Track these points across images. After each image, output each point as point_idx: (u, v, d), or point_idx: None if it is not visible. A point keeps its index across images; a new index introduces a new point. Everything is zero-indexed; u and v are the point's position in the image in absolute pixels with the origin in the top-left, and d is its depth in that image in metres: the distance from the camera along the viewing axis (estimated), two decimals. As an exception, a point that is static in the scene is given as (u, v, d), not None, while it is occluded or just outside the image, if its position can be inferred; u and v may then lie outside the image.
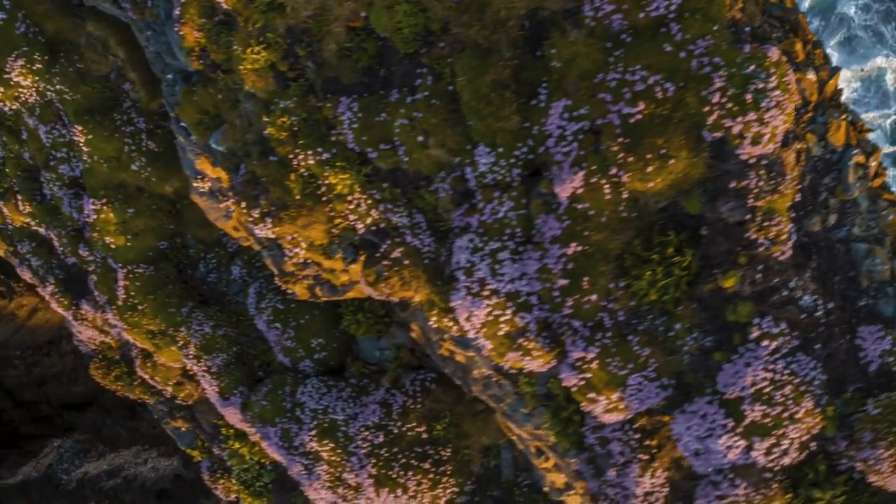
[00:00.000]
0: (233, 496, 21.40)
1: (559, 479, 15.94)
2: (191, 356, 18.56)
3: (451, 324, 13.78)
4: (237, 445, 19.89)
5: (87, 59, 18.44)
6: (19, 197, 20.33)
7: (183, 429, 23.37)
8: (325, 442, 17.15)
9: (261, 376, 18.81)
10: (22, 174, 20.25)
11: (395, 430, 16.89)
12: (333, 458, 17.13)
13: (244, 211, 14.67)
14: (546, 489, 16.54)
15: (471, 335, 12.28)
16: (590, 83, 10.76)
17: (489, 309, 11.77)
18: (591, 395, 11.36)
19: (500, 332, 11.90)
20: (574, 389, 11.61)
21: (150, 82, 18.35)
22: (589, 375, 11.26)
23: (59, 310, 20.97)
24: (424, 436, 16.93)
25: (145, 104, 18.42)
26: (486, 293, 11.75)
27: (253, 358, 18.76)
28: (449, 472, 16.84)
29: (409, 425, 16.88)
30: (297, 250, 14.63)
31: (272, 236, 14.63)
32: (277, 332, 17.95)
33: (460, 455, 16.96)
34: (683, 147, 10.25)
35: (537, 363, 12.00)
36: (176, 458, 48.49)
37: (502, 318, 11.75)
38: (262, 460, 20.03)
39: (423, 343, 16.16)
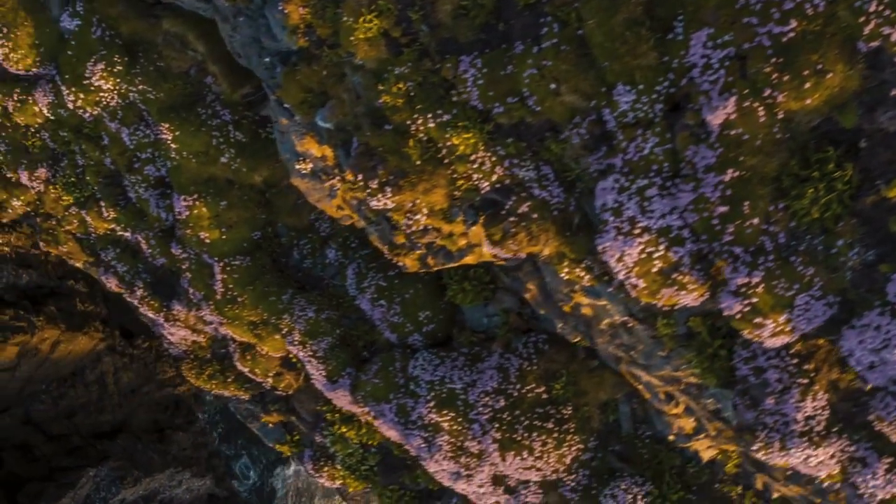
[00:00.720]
0: (338, 483, 21.43)
1: (688, 423, 16.01)
2: (295, 342, 18.61)
3: (583, 273, 13.85)
4: (344, 429, 19.94)
5: (167, 57, 18.49)
6: (102, 204, 20.38)
7: (271, 425, 23.44)
8: (445, 412, 17.20)
9: (366, 356, 18.85)
10: (103, 181, 20.30)
11: (515, 394, 16.95)
12: (454, 428, 17.17)
13: (360, 184, 14.72)
14: (671, 437, 16.60)
15: (621, 276, 12.32)
16: (730, 10, 10.81)
17: (641, 247, 11.82)
18: (758, 319, 11.40)
19: (654, 270, 11.95)
20: (737, 318, 11.66)
21: (232, 73, 18.41)
22: (755, 300, 11.31)
23: (150, 313, 21.00)
24: (544, 396, 16.98)
25: (228, 96, 18.46)
26: (637, 231, 11.80)
27: (356, 339, 18.80)
28: (572, 430, 16.89)
29: (528, 387, 16.94)
30: (417, 217, 14.67)
31: (391, 206, 14.67)
32: (383, 309, 18.00)
33: (580, 412, 17.01)
34: (838, 60, 10.31)
35: (692, 297, 12.05)
36: (208, 477, 48.88)
37: (655, 255, 11.80)
38: (370, 441, 20.08)
39: (539, 303, 16.20)
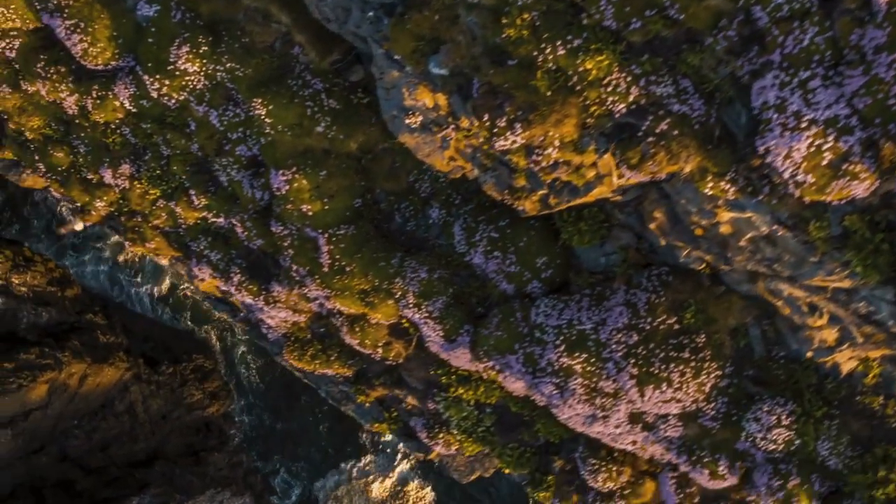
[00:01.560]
0: (453, 448, 21.26)
1: (830, 335, 15.87)
2: (410, 305, 18.44)
3: (727, 186, 13.70)
4: (461, 391, 19.76)
5: (250, 33, 18.32)
6: (192, 192, 20.18)
7: (367, 404, 23.29)
8: (576, 354, 17.03)
9: (481, 312, 18.69)
10: (191, 169, 20.12)
11: (647, 327, 16.79)
12: (587, 369, 17.01)
13: (484, 125, 14.56)
14: (810, 353, 16.46)
15: (787, 174, 12.16)
16: None
17: (809, 140, 11.66)
18: (940, 197, 11.28)
19: (823, 163, 11.79)
20: (918, 198, 11.53)
21: (319, 41, 18.24)
22: (936, 177, 11.20)
23: (248, 298, 20.80)
24: (676, 327, 16.82)
25: (317, 64, 18.29)
26: (803, 125, 11.64)
27: (469, 296, 18.64)
28: (708, 358, 16.73)
29: (658, 319, 16.78)
30: (546, 152, 14.51)
31: (520, 143, 14.51)
32: (497, 260, 17.83)
33: (713, 340, 16.86)
34: None
35: (863, 186, 11.89)
36: (247, 495, 49.22)
37: (825, 147, 11.65)
38: (488, 400, 19.91)
39: (666, 230, 16.06)
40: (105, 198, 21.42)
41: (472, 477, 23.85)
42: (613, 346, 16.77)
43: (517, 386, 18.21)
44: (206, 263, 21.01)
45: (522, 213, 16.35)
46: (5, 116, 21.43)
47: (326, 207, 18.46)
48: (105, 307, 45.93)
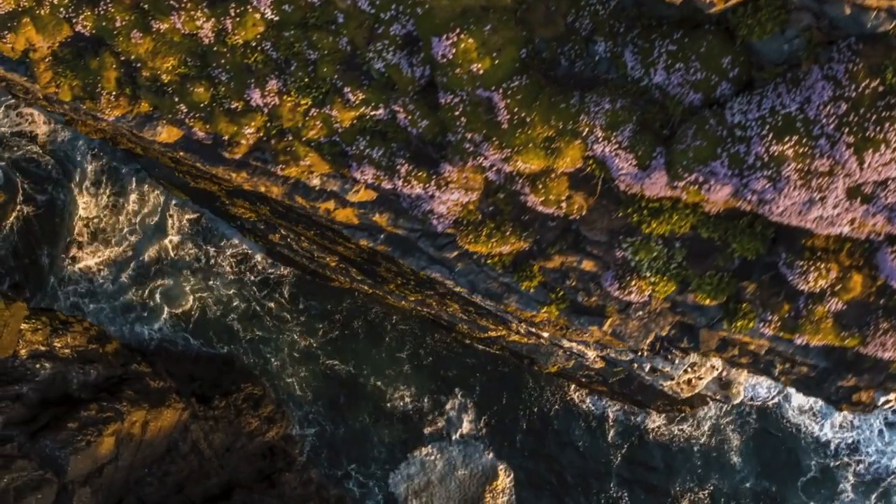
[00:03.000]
0: (646, 294, 21.20)
1: None
2: (599, 140, 18.44)
3: None
4: (653, 225, 19.72)
5: None
6: (346, 90, 20.17)
7: (532, 290, 23.26)
8: (786, 139, 17.04)
9: (667, 134, 18.70)
10: (342, 66, 20.12)
11: (853, 94, 16.79)
12: (799, 151, 17.02)
13: None
14: None
15: None
16: None
17: None
18: None
19: None
20: None
21: None
22: None
23: (417, 188, 20.75)
24: (880, 88, 16.84)
25: (461, -78, 18.34)
26: None
27: (651, 121, 18.65)
28: (919, 111, 16.74)
29: (862, 84, 16.79)
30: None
31: None
32: (681, 72, 17.86)
33: (916, 95, 16.87)
34: None
35: None
36: None
37: None
38: (681, 231, 19.86)
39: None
40: (252, 123, 21.37)
41: (649, 339, 23.73)
42: (823, 121, 16.78)
43: (721, 195, 18.19)
44: (367, 163, 20.97)
45: (710, 5, 16.42)
46: (137, 65, 21.40)
47: (496, 62, 18.48)
48: (145, 355, 46.79)
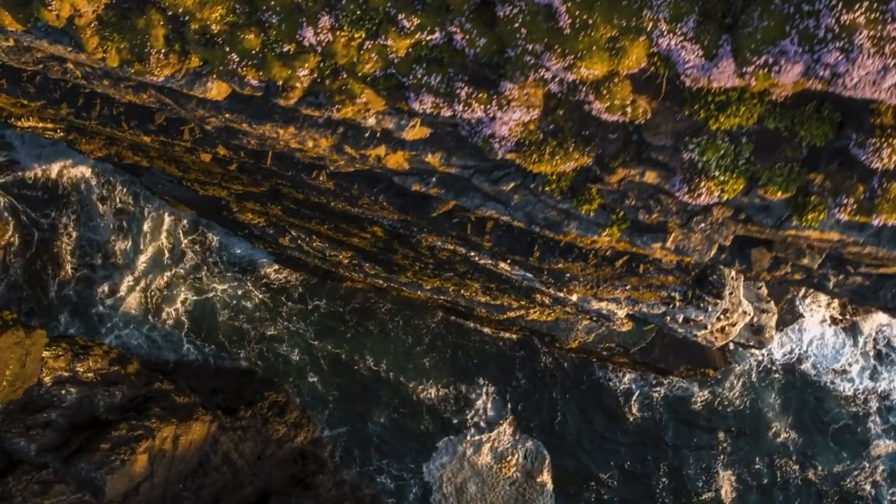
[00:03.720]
0: (715, 195, 21.22)
1: None
2: (664, 34, 18.57)
3: None
4: (721, 119, 19.84)
5: None
6: (400, 17, 20.15)
7: (592, 213, 23.29)
8: (856, 6, 17.27)
9: (729, 22, 18.89)
10: (392, -6, 20.12)
11: (918, -46, 17.13)
12: (870, 18, 17.25)
13: None
14: None
15: None
16: None
17: None
18: None
19: None
20: None
21: None
22: None
23: (477, 111, 20.70)
24: (944, -54, 17.19)
25: None
26: None
27: (713, 11, 18.83)
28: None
29: (926, -57, 17.13)
30: None
31: None
32: (741, -46, 18.09)
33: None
34: None
35: None
36: None
37: None
38: (749, 121, 19.99)
39: None
40: (306, 65, 21.24)
41: (712, 252, 23.75)
42: (893, -18, 17.07)
43: (792, 75, 18.36)
44: (425, 92, 20.91)
45: None
46: (185, 19, 21.22)
47: (554, -34, 18.57)
48: (166, 374, 46.99)
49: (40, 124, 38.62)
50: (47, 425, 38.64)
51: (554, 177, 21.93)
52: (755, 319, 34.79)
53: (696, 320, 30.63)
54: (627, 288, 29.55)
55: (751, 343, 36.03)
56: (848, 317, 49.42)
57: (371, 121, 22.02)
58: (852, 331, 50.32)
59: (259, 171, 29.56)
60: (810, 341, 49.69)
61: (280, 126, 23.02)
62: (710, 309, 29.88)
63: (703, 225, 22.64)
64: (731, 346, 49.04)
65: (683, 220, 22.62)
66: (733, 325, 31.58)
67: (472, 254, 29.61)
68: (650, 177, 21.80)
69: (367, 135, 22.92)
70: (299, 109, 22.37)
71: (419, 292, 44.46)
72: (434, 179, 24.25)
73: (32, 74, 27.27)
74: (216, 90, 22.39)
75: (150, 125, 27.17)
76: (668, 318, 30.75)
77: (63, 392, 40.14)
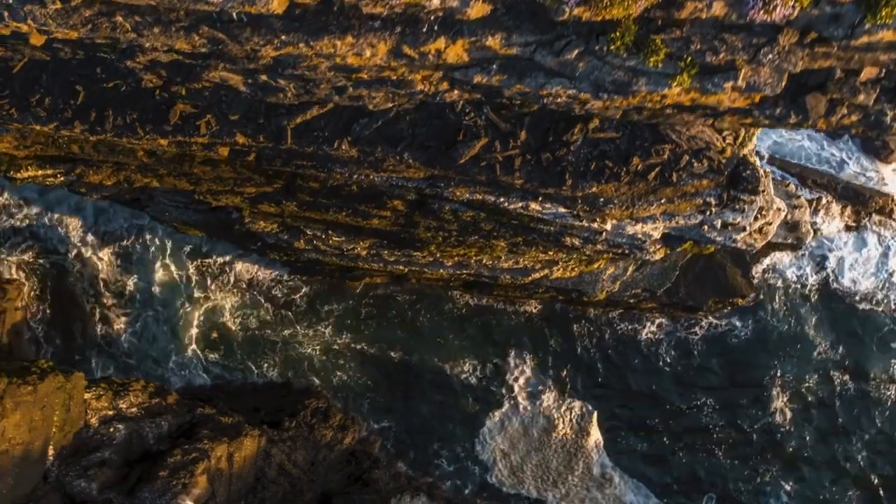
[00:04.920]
0: (790, 6, 20.92)
1: None
2: None
3: None
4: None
5: None
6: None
7: (660, 65, 22.97)
8: None
9: None
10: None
11: None
12: None
13: None
14: None
15: None
16: None
17: None
18: None
19: None
20: None
21: None
22: None
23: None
24: None
25: None
26: None
27: None
28: None
29: None
30: None
31: None
32: None
33: None
34: None
35: None
36: (421, 495, 50.41)
37: None
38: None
39: None
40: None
41: (783, 83, 23.17)
42: None
43: None
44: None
45: None
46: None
47: None
48: (204, 400, 47.20)
49: (39, 172, 38.44)
50: (103, 464, 38.48)
51: (618, 33, 21.82)
52: (789, 217, 35.04)
53: (734, 223, 30.82)
54: (662, 202, 29.68)
55: (789, 241, 36.26)
56: (863, 222, 49.95)
57: (435, 2, 21.87)
58: (869, 234, 50.91)
59: (278, 157, 29.48)
60: (832, 251, 50.22)
61: (337, 37, 22.85)
62: (746, 209, 30.09)
63: (770, 56, 22.56)
64: (763, 267, 49.46)
65: (751, 54, 22.57)
66: (769, 223, 31.82)
67: (502, 199, 29.62)
68: (717, 8, 21.63)
69: (424, 29, 22.91)
70: (358, 7, 22.24)
71: (441, 271, 44.50)
72: (495, 66, 24.09)
73: (41, 98, 27.22)
74: (276, 2, 22.23)
75: (165, 126, 27.16)
76: (706, 226, 30.89)
77: (111, 430, 40.03)
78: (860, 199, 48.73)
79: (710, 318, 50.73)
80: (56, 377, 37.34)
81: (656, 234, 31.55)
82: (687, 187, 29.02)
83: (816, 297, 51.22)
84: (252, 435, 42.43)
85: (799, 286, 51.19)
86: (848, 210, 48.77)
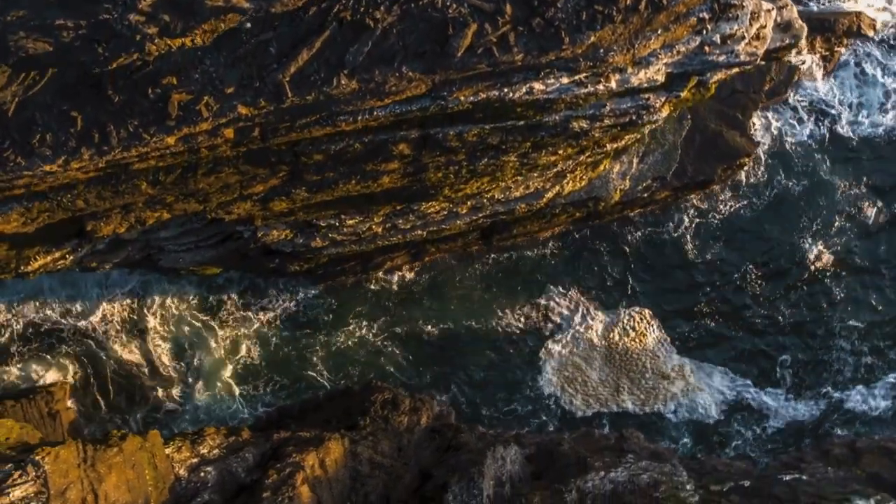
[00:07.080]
0: None
1: None
2: None
3: None
4: None
5: None
6: None
7: None
8: None
9: None
10: None
11: None
12: None
13: None
14: None
15: None
16: None
17: None
18: None
19: None
20: None
21: None
22: None
23: None
24: None
25: None
26: None
27: None
28: None
29: None
30: None
31: None
32: None
33: None
34: None
35: None
36: (512, 445, 50.62)
37: None
38: None
39: None
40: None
41: None
42: None
43: None
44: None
45: None
46: None
47: None
48: (275, 427, 47.41)
49: (49, 259, 38.20)
50: (206, 507, 38.20)
51: None
52: (779, 17, 35.63)
53: (731, 34, 31.23)
54: (659, 32, 29.98)
55: (786, 41, 36.62)
56: (836, 49, 50.69)
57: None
58: (848, 64, 51.80)
59: (282, 122, 29.41)
60: (818, 91, 51.05)
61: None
62: (739, 15, 30.56)
63: None
64: (759, 125, 49.81)
65: None
66: (764, 26, 32.30)
67: (506, 90, 29.78)
68: None
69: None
70: None
71: (458, 222, 44.56)
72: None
73: (42, 137, 27.18)
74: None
75: (168, 122, 27.15)
76: (707, 47, 31.22)
77: (202, 475, 39.82)
78: (826, 26, 49.55)
79: (728, 199, 51.21)
80: (134, 439, 36.98)
81: (661, 77, 31.78)
82: (678, 7, 29.44)
83: (821, 141, 52.01)
84: (335, 439, 42.36)
85: (797, 133, 51.95)
86: (818, 40, 49.63)
